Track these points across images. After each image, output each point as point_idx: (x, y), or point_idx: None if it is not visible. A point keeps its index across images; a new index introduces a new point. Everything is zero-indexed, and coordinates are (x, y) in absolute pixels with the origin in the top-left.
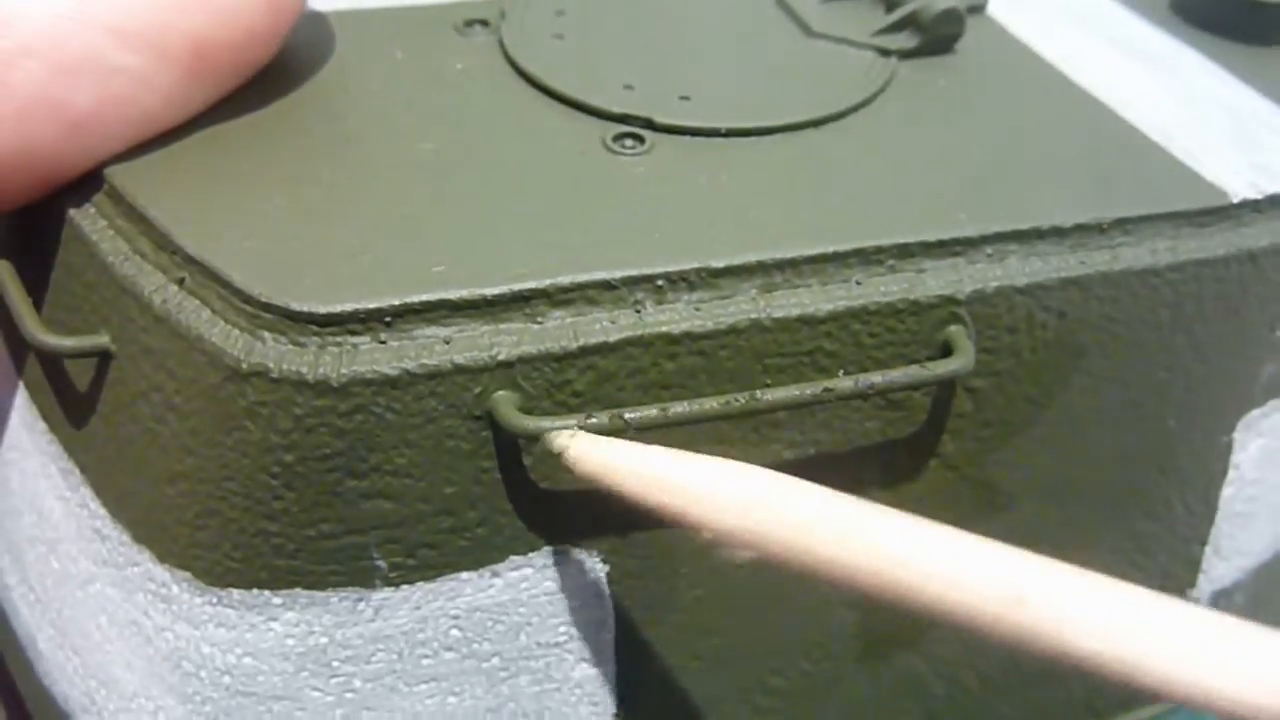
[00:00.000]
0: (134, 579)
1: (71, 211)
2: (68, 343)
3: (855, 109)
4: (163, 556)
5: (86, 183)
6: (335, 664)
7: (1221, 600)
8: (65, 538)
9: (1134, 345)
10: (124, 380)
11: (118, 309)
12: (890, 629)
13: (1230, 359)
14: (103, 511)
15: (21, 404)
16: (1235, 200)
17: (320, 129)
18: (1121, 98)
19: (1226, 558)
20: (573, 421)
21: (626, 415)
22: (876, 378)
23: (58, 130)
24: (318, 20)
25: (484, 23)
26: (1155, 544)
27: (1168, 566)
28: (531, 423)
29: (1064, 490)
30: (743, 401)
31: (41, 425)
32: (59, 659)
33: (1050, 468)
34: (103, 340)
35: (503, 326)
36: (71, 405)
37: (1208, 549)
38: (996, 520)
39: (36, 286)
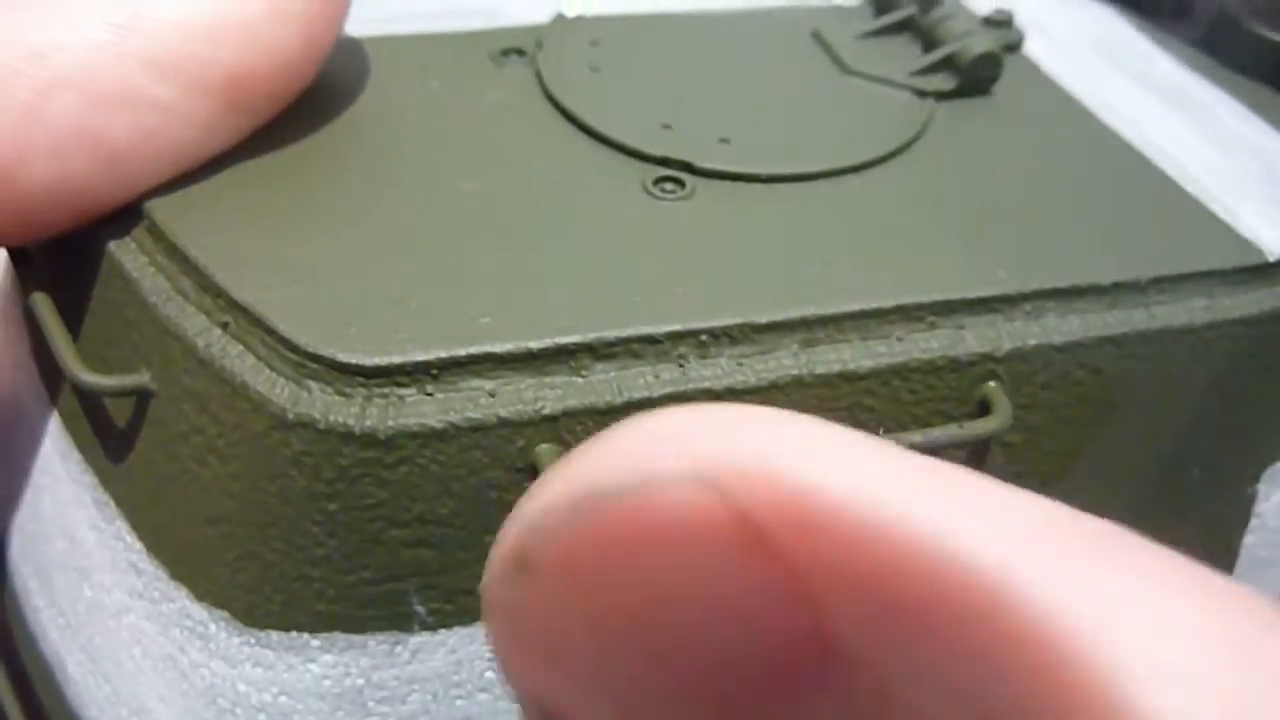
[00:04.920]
0: (170, 614)
1: (111, 245)
2: (108, 382)
3: (895, 154)
4: (200, 595)
5: (124, 215)
6: (370, 704)
7: None
8: (98, 567)
9: (1166, 401)
10: (164, 420)
11: (159, 349)
12: None
13: (1260, 413)
14: (139, 546)
15: (55, 430)
16: (1271, 259)
17: (358, 163)
18: (1155, 144)
19: None
20: None
21: None
22: (916, 437)
23: (94, 162)
24: (352, 46)
25: (520, 52)
26: None
27: None
28: None
29: None
30: None
31: (76, 455)
32: (90, 685)
33: None
34: (143, 379)
35: (547, 380)
36: (109, 440)
37: None
38: None
39: (73, 318)
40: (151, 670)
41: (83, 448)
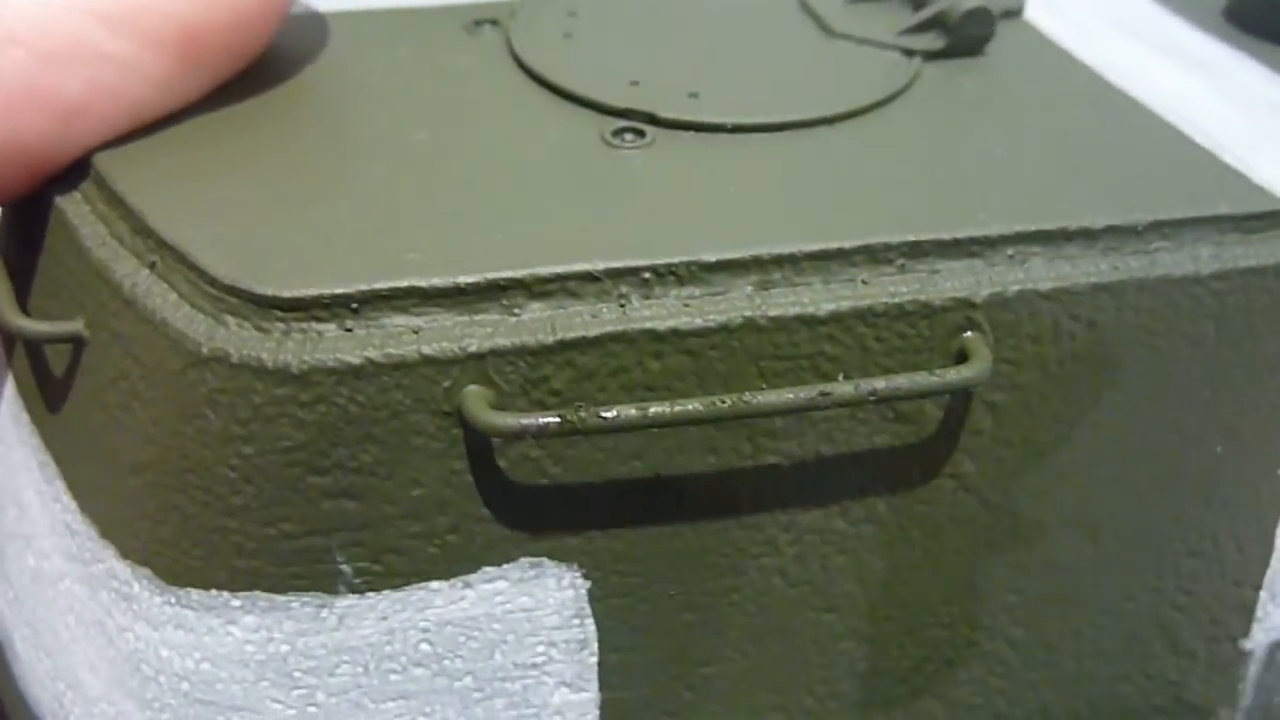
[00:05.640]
0: (99, 576)
1: (58, 198)
2: (42, 327)
3: (873, 107)
4: (125, 553)
5: (76, 170)
6: (297, 674)
7: (1279, 652)
8: (40, 533)
9: (1174, 360)
10: (95, 368)
11: (93, 294)
12: (904, 667)
13: None
14: (73, 505)
15: (9, 395)
16: None
17: (314, 119)
18: (1167, 102)
19: None
20: (549, 418)
21: (603, 414)
22: (879, 383)
23: (47, 120)
24: (320, 19)
25: (493, 22)
26: (1202, 585)
27: (1216, 612)
28: (503, 421)
29: (1097, 521)
30: (729, 404)
31: (25, 417)
32: (33, 660)
33: (1081, 495)
34: (76, 326)
35: (477, 318)
36: (48, 394)
37: (1263, 594)
38: (1021, 552)
39: (27, 275)
40: (84, 638)
41: (30, 408)
